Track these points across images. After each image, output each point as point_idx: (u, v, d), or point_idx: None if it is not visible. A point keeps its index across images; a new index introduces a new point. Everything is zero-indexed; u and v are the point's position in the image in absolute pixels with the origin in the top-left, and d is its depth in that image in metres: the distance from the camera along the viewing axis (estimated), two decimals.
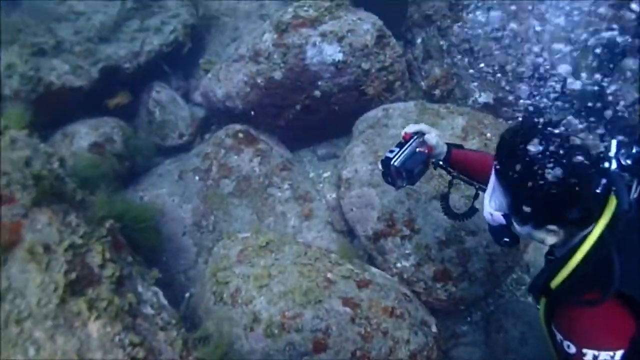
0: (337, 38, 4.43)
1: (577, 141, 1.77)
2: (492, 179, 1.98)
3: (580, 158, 1.71)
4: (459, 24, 4.88)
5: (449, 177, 2.77)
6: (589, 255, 1.70)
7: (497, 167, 1.92)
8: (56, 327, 2.21)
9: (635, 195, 1.76)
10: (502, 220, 1.97)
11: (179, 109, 5.40)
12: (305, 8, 4.63)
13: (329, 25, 4.50)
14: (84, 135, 4.57)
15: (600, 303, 1.65)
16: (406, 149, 2.51)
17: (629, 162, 1.77)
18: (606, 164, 1.78)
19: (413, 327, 3.24)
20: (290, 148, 5.06)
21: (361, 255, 3.97)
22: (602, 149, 1.82)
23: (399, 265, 3.72)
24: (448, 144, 2.67)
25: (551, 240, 1.85)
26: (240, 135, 4.73)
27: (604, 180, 1.74)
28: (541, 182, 1.73)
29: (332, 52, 4.40)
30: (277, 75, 4.44)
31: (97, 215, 2.79)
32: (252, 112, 4.73)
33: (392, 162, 2.46)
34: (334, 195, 4.41)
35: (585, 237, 1.74)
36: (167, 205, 4.55)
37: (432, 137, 2.56)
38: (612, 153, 1.79)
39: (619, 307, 1.67)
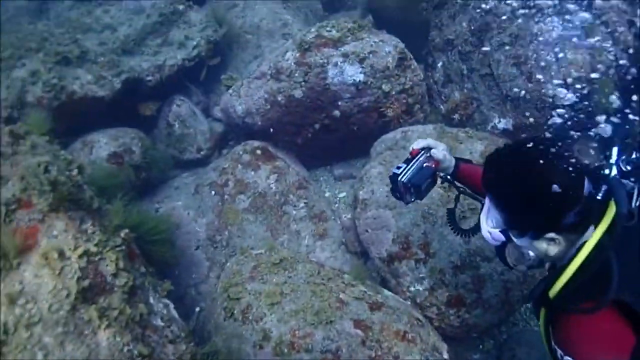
0: (359, 59, 4.44)
1: (569, 148, 1.78)
2: (486, 198, 1.99)
3: (569, 161, 1.72)
4: (481, 49, 4.88)
5: (464, 196, 2.77)
6: (587, 261, 1.67)
7: (487, 183, 1.95)
8: (66, 334, 2.20)
9: (638, 203, 1.75)
10: (502, 237, 1.96)
11: (198, 123, 5.44)
12: (328, 28, 4.67)
13: (351, 46, 4.52)
14: (103, 144, 4.60)
15: (596, 310, 1.61)
16: (414, 164, 2.54)
17: (629, 167, 1.77)
18: (607, 171, 1.79)
19: (424, 352, 3.17)
20: (307, 167, 5.06)
21: (374, 278, 3.93)
22: (604, 156, 1.83)
23: (412, 289, 3.67)
24: (456, 159, 2.68)
25: (553, 249, 1.83)
26: (258, 151, 4.74)
27: (604, 187, 1.72)
28: (532, 189, 1.74)
29: (353, 73, 4.41)
30: (298, 93, 4.45)
31: (112, 223, 2.79)
32: (271, 129, 4.74)
33: (399, 178, 2.49)
34: (349, 216, 4.39)
35: (584, 244, 1.71)
36: (181, 218, 4.55)
37: (439, 151, 2.58)
38: (612, 160, 1.80)
39: (619, 317, 1.61)
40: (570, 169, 1.72)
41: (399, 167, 2.55)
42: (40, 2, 6.77)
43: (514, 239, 1.92)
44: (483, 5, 4.82)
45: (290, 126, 4.67)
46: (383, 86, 4.49)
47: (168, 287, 2.98)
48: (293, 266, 3.50)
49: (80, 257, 2.37)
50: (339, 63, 4.41)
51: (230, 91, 5.05)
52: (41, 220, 2.40)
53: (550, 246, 1.83)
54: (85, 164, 4.46)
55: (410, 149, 2.63)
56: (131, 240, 2.91)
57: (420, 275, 3.65)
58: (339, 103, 4.47)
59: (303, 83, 4.44)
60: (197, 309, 4.01)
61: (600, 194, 1.72)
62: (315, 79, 4.41)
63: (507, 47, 4.62)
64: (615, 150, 1.83)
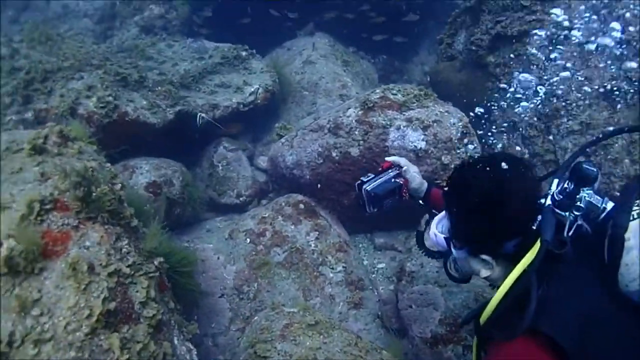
0: (423, 126, 4.25)
1: (525, 174, 1.79)
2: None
3: (521, 193, 1.73)
4: (546, 136, 4.68)
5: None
6: (510, 289, 1.67)
7: (446, 186, 1.96)
8: None
9: (571, 233, 1.73)
10: (444, 243, 2.02)
11: (242, 168, 5.25)
12: (394, 92, 4.52)
13: (416, 112, 4.34)
14: (145, 171, 4.43)
15: (511, 338, 1.60)
16: (381, 176, 2.66)
17: (560, 196, 1.75)
18: (542, 200, 1.77)
19: None
20: (348, 230, 4.77)
21: (410, 358, 3.55)
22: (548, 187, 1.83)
23: None
24: (430, 183, 2.82)
25: (485, 272, 1.88)
26: (302, 206, 4.49)
27: (539, 217, 1.74)
28: (481, 207, 1.75)
29: (415, 139, 4.20)
30: (354, 151, 4.25)
31: (147, 247, 2.53)
32: (319, 185, 4.51)
33: (364, 186, 2.61)
34: (389, 288, 4.05)
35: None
36: (210, 261, 4.27)
37: (410, 171, 2.71)
38: (552, 189, 1.79)
39: (537, 347, 1.57)
40: (526, 199, 1.74)
41: (367, 176, 2.67)
42: (106, 27, 6.90)
43: (453, 249, 1.97)
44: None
45: (340, 184, 4.43)
46: (443, 157, 4.26)
47: (194, 330, 2.67)
48: (329, 332, 3.15)
49: (110, 275, 2.09)
50: (401, 127, 4.22)
51: (283, 140, 4.88)
52: (75, 227, 2.15)
53: (483, 268, 1.88)
54: (126, 184, 4.33)
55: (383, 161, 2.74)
56: (164, 270, 2.64)
57: None
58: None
59: (362, 142, 4.24)
60: None
61: (535, 224, 1.73)
62: (374, 139, 4.21)
63: (575, 135, 4.40)
64: (555, 181, 1.82)
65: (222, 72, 5.68)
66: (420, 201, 2.85)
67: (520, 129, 4.91)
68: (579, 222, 1.76)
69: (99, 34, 7.15)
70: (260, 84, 5.65)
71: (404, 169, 2.70)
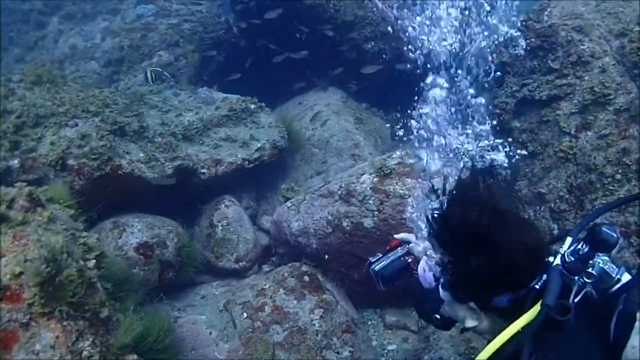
0: None
1: (530, 224, 1.65)
2: None
3: (524, 243, 1.54)
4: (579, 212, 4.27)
5: None
6: (500, 349, 1.51)
7: (441, 218, 1.69)
8: None
9: (577, 299, 1.53)
10: (432, 280, 1.87)
11: (243, 230, 4.84)
12: (413, 157, 4.14)
13: (437, 180, 3.94)
14: (136, 231, 4.07)
15: None
16: (389, 255, 2.54)
17: (572, 258, 1.56)
18: (551, 258, 1.59)
19: None
20: (356, 304, 4.33)
21: None
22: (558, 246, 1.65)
23: None
24: None
25: (471, 322, 1.70)
26: (306, 278, 4.06)
27: (544, 276, 1.56)
28: (471, 252, 1.56)
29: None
30: (368, 223, 3.85)
31: (117, 343, 2.08)
32: (326, 256, 4.09)
33: (372, 267, 2.52)
34: None
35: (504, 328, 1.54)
36: (200, 337, 3.84)
37: (419, 247, 2.48)
38: (563, 248, 1.60)
39: None
40: (529, 251, 1.56)
41: (376, 256, 2.56)
42: (113, 71, 6.66)
43: (440, 289, 1.77)
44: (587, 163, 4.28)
45: (349, 257, 4.02)
46: None
47: None
48: None
49: None
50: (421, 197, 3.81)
51: (289, 204, 4.50)
52: (25, 325, 1.72)
53: (469, 318, 1.70)
54: (111, 248, 3.92)
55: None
56: None
57: None
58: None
59: (376, 212, 3.85)
60: None
61: (539, 284, 1.57)
62: (391, 210, 3.83)
63: (613, 212, 4.02)
64: (569, 239, 1.63)
65: (228, 125, 5.35)
66: None
67: (550, 202, 4.50)
68: (588, 288, 1.58)
69: (105, 77, 6.92)
70: (267, 140, 5.30)
71: (410, 245, 2.53)
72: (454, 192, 1.69)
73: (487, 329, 1.71)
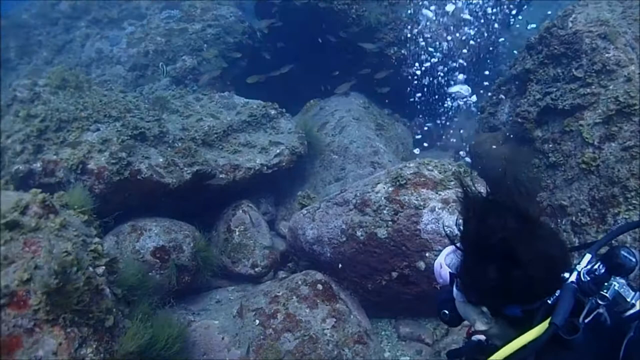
0: None
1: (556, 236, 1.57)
2: None
3: (545, 256, 1.50)
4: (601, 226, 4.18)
5: None
6: None
7: (464, 222, 1.65)
8: None
9: (588, 319, 1.49)
10: (447, 277, 1.81)
11: (260, 236, 4.85)
12: (430, 167, 4.10)
13: (454, 192, 3.90)
14: (153, 234, 4.12)
15: None
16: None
17: (587, 278, 1.52)
18: (567, 274, 1.54)
19: None
20: (369, 313, 4.29)
21: None
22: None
23: None
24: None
25: (480, 326, 1.67)
26: (320, 286, 4.04)
27: (558, 291, 1.51)
28: (491, 259, 1.52)
29: (452, 224, 3.74)
30: (382, 233, 3.82)
31: (122, 350, 2.11)
32: (340, 265, 4.08)
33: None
34: None
35: (511, 340, 1.51)
36: (213, 342, 3.86)
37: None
38: (580, 265, 1.55)
39: None
40: (549, 266, 1.52)
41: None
42: (137, 75, 6.74)
43: (454, 288, 1.74)
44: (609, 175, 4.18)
45: (363, 267, 3.99)
46: None
47: None
48: None
49: None
50: (436, 209, 3.78)
51: (304, 211, 4.49)
52: (29, 331, 1.75)
53: (479, 321, 1.67)
54: (128, 251, 3.98)
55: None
56: None
57: None
58: (427, 254, 3.78)
59: (390, 223, 3.81)
60: None
61: (551, 299, 1.51)
62: (405, 221, 3.78)
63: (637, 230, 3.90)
64: (587, 256, 1.57)
65: (248, 131, 5.37)
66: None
67: (572, 215, 4.40)
68: (601, 310, 1.54)
69: (130, 81, 7.02)
70: (286, 146, 5.31)
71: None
72: (487, 197, 1.66)
73: (496, 335, 1.69)
